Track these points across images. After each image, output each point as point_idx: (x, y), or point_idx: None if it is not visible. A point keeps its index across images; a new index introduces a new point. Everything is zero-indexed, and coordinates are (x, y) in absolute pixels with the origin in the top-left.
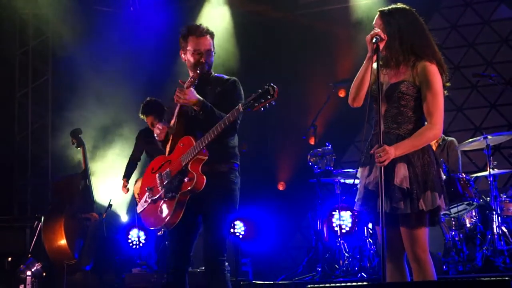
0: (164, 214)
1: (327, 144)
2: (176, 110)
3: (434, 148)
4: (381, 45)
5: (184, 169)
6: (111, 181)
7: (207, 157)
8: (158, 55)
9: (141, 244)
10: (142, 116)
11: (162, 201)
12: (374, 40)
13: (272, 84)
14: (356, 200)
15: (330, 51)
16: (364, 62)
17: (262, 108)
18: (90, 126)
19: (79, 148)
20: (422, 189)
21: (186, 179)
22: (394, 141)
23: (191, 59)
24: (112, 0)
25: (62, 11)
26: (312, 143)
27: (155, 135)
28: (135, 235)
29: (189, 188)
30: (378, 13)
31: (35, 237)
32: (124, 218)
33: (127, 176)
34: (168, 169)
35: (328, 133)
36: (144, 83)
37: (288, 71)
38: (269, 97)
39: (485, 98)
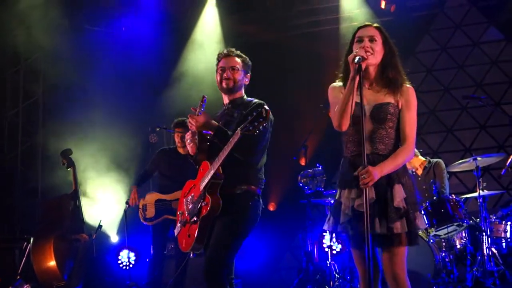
0: (191, 238)
1: (317, 165)
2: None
3: (420, 170)
4: (363, 65)
5: (202, 193)
6: (101, 202)
7: (221, 181)
8: (152, 77)
9: (131, 265)
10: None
11: (190, 225)
12: (356, 60)
13: (265, 107)
14: (340, 222)
15: (320, 72)
16: (348, 84)
17: (257, 131)
18: (80, 147)
19: (69, 169)
20: (414, 209)
21: (203, 204)
22: (381, 160)
23: (217, 78)
24: (103, 20)
25: (53, 30)
26: (303, 164)
27: (188, 141)
28: (125, 256)
29: (205, 213)
30: (374, 28)
31: (24, 258)
32: (114, 238)
33: (137, 183)
34: (192, 194)
35: (319, 154)
36: (138, 106)
37: (279, 92)
38: (261, 119)
39: (475, 119)
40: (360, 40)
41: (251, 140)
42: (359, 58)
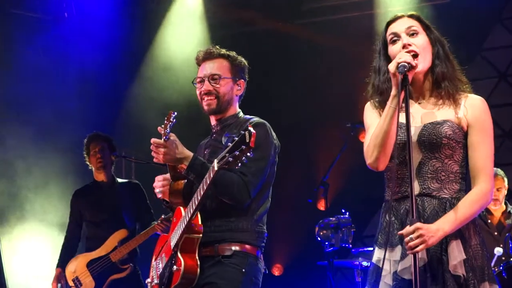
0: None
1: (343, 211)
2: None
3: (497, 216)
4: (411, 75)
5: (173, 254)
6: (27, 261)
7: (200, 235)
8: (104, 78)
9: None
10: (85, 156)
11: None
12: (400, 69)
13: (249, 128)
14: None
15: (346, 77)
16: (388, 104)
17: (239, 163)
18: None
19: None
20: (479, 278)
21: (174, 269)
22: (437, 208)
23: (197, 94)
24: (37, 3)
25: None
26: (322, 208)
27: (156, 190)
28: None
29: (177, 282)
30: (409, 17)
31: None
32: None
33: (62, 263)
34: (163, 254)
35: (345, 195)
36: (79, 122)
37: (286, 104)
38: (244, 147)
39: None
40: (395, 38)
41: (244, 177)
42: (404, 66)
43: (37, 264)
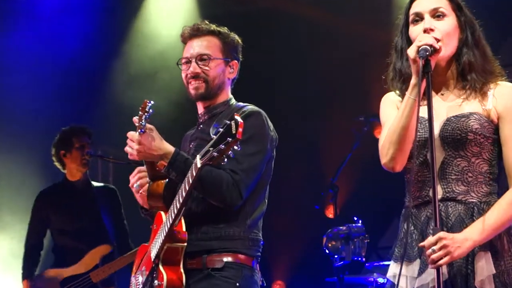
0: None
1: (355, 218)
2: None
3: None
4: (433, 61)
5: (154, 266)
6: None
7: (184, 244)
8: (74, 68)
9: None
10: (57, 151)
11: None
12: (421, 53)
13: (236, 117)
14: None
15: (360, 63)
16: (406, 95)
17: (226, 158)
18: None
19: None
20: None
21: (156, 284)
22: (462, 214)
23: (183, 77)
24: None
25: None
26: (331, 215)
27: (134, 185)
28: None
29: None
30: None
31: None
32: None
33: (28, 274)
34: (144, 267)
35: (357, 201)
36: (48, 115)
37: (287, 92)
38: (230, 139)
39: None
40: (418, 19)
41: (234, 175)
42: (424, 50)
43: None
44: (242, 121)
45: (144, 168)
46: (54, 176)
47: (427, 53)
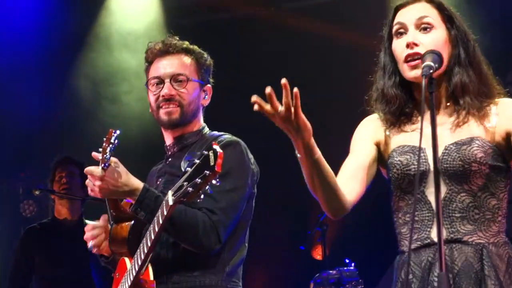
0: None
1: (346, 261)
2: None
3: None
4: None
5: None
6: None
7: None
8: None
9: None
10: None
11: None
12: (424, 70)
13: (214, 147)
14: None
15: (350, 75)
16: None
17: (202, 195)
18: None
19: None
20: None
21: None
22: (470, 258)
23: (150, 101)
24: None
25: None
26: (319, 257)
27: (89, 244)
28: None
29: None
30: (428, 1)
31: None
32: None
33: None
34: None
35: (349, 240)
36: None
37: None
38: (208, 172)
39: None
40: (402, 31)
41: (211, 214)
42: (428, 67)
43: None
44: (221, 151)
45: (98, 223)
46: None
47: (431, 70)
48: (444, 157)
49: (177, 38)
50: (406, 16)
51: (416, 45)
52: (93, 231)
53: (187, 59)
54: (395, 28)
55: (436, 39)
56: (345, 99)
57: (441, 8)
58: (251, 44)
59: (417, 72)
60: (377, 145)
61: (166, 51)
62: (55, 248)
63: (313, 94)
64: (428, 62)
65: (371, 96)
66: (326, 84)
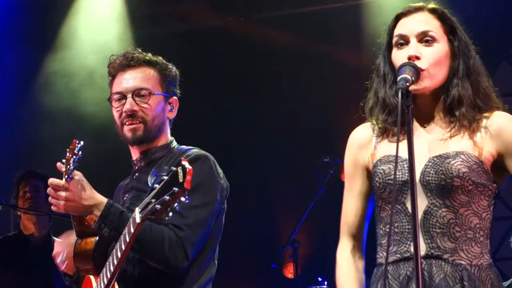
0: None
1: (319, 279)
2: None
3: None
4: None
5: None
6: None
7: None
8: None
9: None
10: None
11: None
12: (400, 83)
13: (183, 163)
14: None
15: (324, 93)
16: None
17: (169, 212)
18: None
19: None
20: None
21: None
22: (449, 277)
23: (115, 117)
24: None
25: None
26: (290, 276)
27: (58, 260)
28: None
29: None
30: (429, 11)
31: None
32: None
33: None
34: None
35: (322, 257)
36: None
37: (237, 130)
38: (176, 189)
39: None
40: (402, 42)
41: (178, 231)
42: (404, 79)
43: None
44: (191, 167)
45: (63, 242)
46: None
47: (404, 84)
48: (427, 169)
49: (139, 50)
50: (408, 28)
51: (418, 58)
52: (60, 248)
53: (150, 72)
54: (395, 39)
55: (438, 52)
56: (314, 110)
57: (443, 19)
58: (220, 54)
59: (418, 85)
60: (366, 167)
61: (128, 64)
62: (24, 267)
63: (283, 105)
64: (405, 75)
65: (367, 103)
66: (295, 95)
